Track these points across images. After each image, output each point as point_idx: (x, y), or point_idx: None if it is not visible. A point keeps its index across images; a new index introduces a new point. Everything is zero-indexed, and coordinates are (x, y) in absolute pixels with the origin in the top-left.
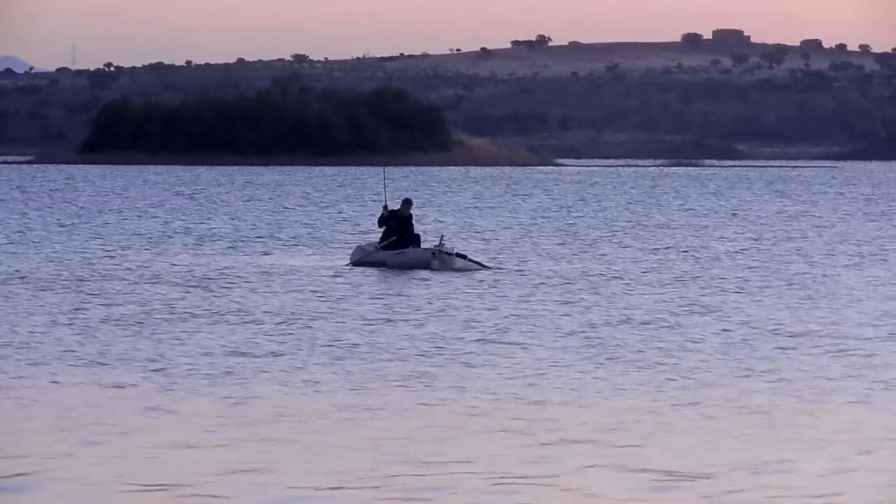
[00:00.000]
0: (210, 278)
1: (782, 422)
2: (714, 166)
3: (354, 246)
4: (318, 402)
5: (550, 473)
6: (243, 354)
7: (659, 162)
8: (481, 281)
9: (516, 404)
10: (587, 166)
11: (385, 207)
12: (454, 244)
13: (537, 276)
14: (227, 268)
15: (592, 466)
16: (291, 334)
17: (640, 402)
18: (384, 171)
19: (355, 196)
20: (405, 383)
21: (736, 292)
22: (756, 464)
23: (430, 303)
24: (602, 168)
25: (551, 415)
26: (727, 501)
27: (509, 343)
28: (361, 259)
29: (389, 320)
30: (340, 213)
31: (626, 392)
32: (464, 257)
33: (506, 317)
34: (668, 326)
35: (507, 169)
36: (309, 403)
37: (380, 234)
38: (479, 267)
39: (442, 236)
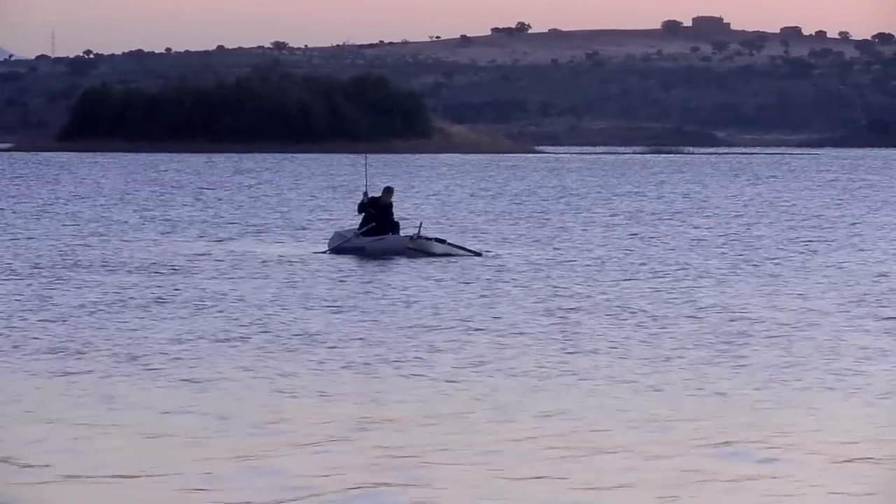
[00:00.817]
0: (185, 265)
1: (743, 406)
2: (693, 154)
3: (333, 232)
4: (287, 389)
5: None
6: (215, 340)
7: (638, 149)
8: (458, 266)
9: (476, 389)
10: (567, 153)
11: (365, 194)
12: (428, 231)
13: (510, 262)
14: (203, 255)
15: (558, 448)
16: (261, 320)
17: (598, 388)
18: (366, 159)
19: (333, 183)
20: (371, 369)
21: (705, 278)
22: (715, 447)
23: (405, 289)
24: (582, 155)
25: (514, 404)
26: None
27: (477, 329)
28: (340, 245)
29: (360, 307)
30: (315, 198)
31: (586, 380)
32: (442, 242)
33: (475, 302)
34: (636, 313)
35: (486, 156)
36: (277, 391)
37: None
38: (462, 251)
39: (420, 223)
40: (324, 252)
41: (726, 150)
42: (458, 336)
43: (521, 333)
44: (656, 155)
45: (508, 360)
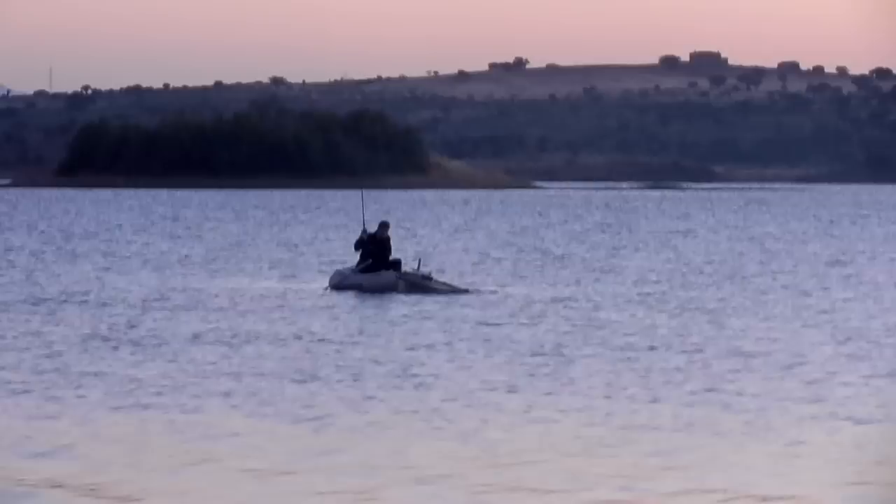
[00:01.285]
0: (180, 301)
1: (731, 441)
2: (691, 189)
3: (333, 270)
4: (280, 426)
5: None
6: (206, 377)
7: (636, 184)
8: (450, 303)
9: (460, 425)
10: (565, 188)
11: (364, 231)
12: (428, 266)
13: (503, 299)
14: (200, 290)
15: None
16: (258, 357)
17: (573, 426)
18: (362, 196)
19: (332, 219)
20: (360, 405)
21: (700, 313)
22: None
23: (396, 326)
24: (579, 191)
25: (505, 440)
26: None
27: (466, 367)
28: (339, 283)
29: (355, 342)
30: (316, 234)
31: (567, 415)
32: (429, 279)
33: (465, 338)
34: (626, 350)
35: (483, 191)
36: (271, 427)
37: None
38: (451, 290)
39: (419, 259)
40: (324, 289)
41: (724, 184)
42: (446, 372)
43: (511, 368)
44: (653, 190)
45: (498, 394)
